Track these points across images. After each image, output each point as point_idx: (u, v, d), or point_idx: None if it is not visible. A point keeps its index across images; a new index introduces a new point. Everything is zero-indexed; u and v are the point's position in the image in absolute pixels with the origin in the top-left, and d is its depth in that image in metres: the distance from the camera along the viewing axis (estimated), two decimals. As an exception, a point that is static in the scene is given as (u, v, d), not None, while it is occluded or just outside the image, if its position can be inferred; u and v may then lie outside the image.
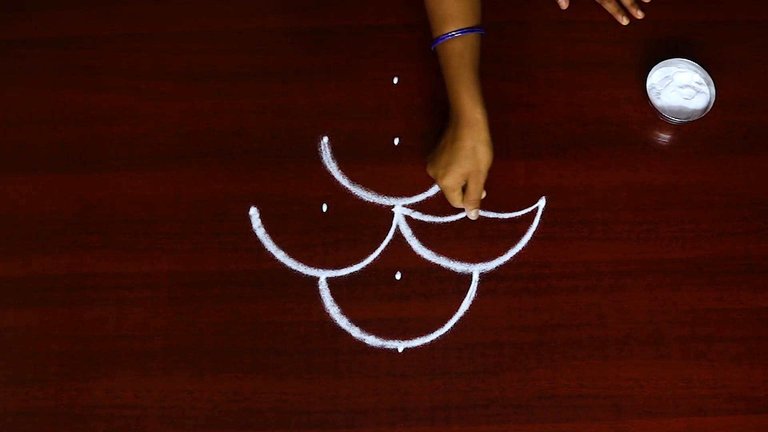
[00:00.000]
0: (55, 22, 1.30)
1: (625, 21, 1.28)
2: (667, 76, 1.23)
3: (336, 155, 1.23)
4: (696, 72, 1.23)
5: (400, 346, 1.16)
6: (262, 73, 1.27)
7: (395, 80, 1.27)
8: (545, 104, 1.25)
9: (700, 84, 1.22)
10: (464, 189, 1.16)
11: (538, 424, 1.12)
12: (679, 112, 1.22)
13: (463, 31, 1.12)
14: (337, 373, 1.14)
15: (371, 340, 1.16)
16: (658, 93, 1.23)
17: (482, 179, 1.14)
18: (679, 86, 1.23)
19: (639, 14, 1.28)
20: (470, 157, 1.12)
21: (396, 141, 1.24)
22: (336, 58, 1.28)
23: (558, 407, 1.12)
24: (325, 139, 1.24)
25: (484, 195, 1.17)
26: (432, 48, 1.14)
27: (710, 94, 1.22)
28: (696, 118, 1.21)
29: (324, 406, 1.13)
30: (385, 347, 1.15)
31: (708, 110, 1.21)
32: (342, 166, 1.23)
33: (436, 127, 1.24)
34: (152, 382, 1.14)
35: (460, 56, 1.12)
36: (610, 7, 1.28)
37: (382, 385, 1.14)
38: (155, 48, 1.29)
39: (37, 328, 1.16)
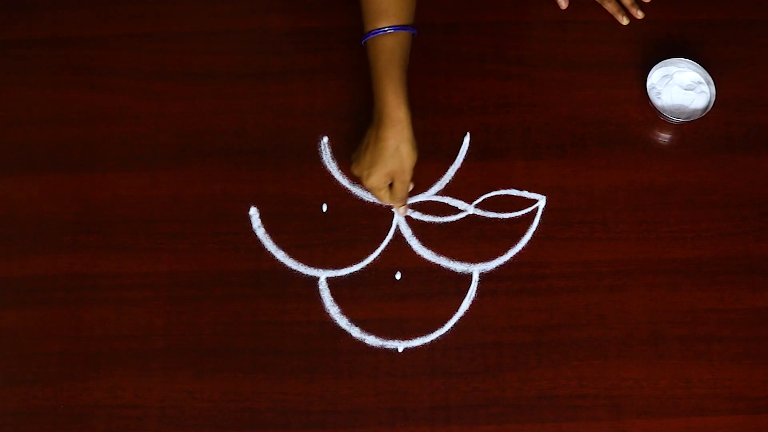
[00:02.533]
0: (55, 22, 1.30)
1: (625, 21, 1.28)
2: (666, 76, 1.23)
3: (336, 155, 1.23)
4: (696, 72, 1.23)
5: (400, 346, 1.16)
6: (262, 73, 1.27)
7: (395, 80, 1.27)
8: (545, 104, 1.25)
9: (700, 84, 1.22)
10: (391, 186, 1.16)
11: (538, 424, 1.12)
12: (680, 111, 1.22)
13: (395, 28, 1.11)
14: (337, 373, 1.14)
15: (371, 340, 1.16)
16: (658, 93, 1.23)
17: (407, 177, 1.14)
18: (679, 86, 1.23)
19: (639, 14, 1.28)
20: (394, 156, 1.12)
21: (396, 141, 1.24)
22: (336, 58, 1.28)
23: (558, 407, 1.12)
24: (325, 139, 1.24)
25: (411, 187, 1.17)
26: (362, 42, 1.13)
27: (710, 93, 1.22)
28: (696, 117, 1.21)
29: (324, 406, 1.13)
30: (385, 347, 1.15)
31: (708, 110, 1.21)
32: (342, 166, 1.23)
33: (437, 128, 1.24)
34: (152, 382, 1.14)
35: (390, 53, 1.11)
36: (610, 7, 1.28)
37: (382, 385, 1.14)
38: (155, 48, 1.29)
39: (37, 328, 1.16)
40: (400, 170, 1.13)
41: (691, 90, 1.23)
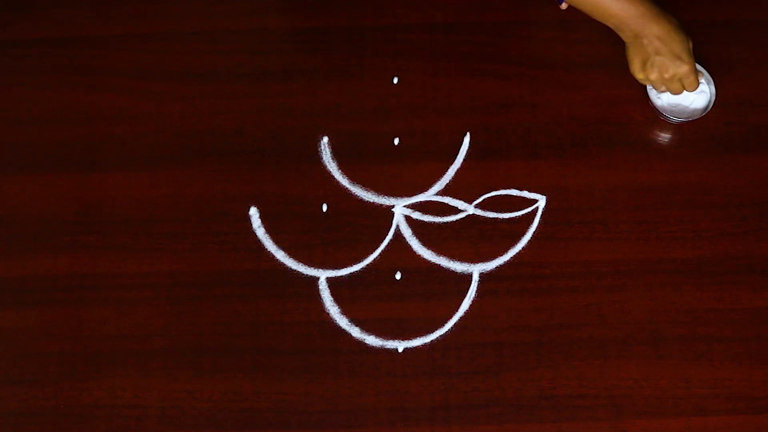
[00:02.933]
0: (55, 22, 1.30)
1: None
2: None
3: (336, 155, 1.23)
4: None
5: (400, 346, 1.16)
6: (262, 73, 1.27)
7: (395, 80, 1.27)
8: (545, 104, 1.25)
9: (700, 83, 1.22)
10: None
11: (538, 424, 1.12)
12: (680, 111, 1.22)
13: None
14: (337, 373, 1.14)
15: (371, 340, 1.16)
16: (658, 93, 1.23)
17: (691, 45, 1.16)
18: None
19: None
20: (680, 30, 1.13)
21: (396, 141, 1.24)
22: (336, 58, 1.28)
23: (558, 407, 1.12)
24: (325, 139, 1.24)
25: None
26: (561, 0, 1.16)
27: (710, 93, 1.22)
28: (696, 117, 1.21)
29: (324, 406, 1.13)
30: (385, 347, 1.15)
31: (708, 110, 1.21)
32: (342, 166, 1.23)
33: (437, 128, 1.24)
34: (152, 382, 1.14)
35: None
36: None
37: (382, 385, 1.14)
38: (155, 48, 1.29)
39: (37, 328, 1.16)
40: (688, 39, 1.15)
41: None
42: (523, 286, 1.17)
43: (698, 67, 1.22)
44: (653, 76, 1.16)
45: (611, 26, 1.15)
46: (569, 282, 1.17)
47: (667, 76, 1.16)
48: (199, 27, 1.30)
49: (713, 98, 1.21)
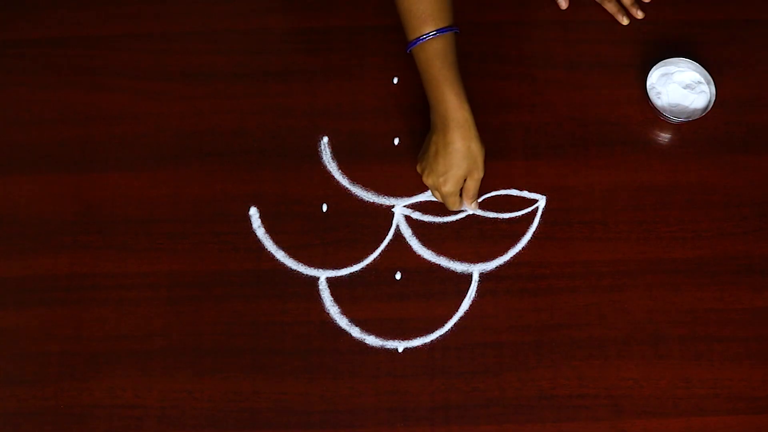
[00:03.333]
0: (55, 22, 1.30)
1: (625, 21, 1.28)
2: (666, 75, 1.23)
3: (336, 155, 1.23)
4: (696, 71, 1.23)
5: (400, 346, 1.16)
6: (262, 73, 1.27)
7: (395, 80, 1.27)
8: (545, 104, 1.25)
9: (700, 83, 1.22)
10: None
11: (538, 424, 1.12)
12: (680, 111, 1.22)
13: (442, 30, 1.10)
14: (337, 373, 1.14)
15: (371, 340, 1.16)
16: (658, 93, 1.23)
17: (480, 175, 1.14)
18: (679, 86, 1.23)
19: (639, 14, 1.28)
20: (467, 157, 1.12)
21: (396, 141, 1.24)
22: (336, 58, 1.28)
23: (558, 407, 1.12)
24: (325, 139, 1.24)
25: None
26: (408, 51, 1.13)
27: (710, 93, 1.22)
28: (696, 117, 1.21)
29: (324, 406, 1.13)
30: (385, 347, 1.15)
31: (708, 110, 1.21)
32: (342, 166, 1.23)
33: (436, 127, 1.24)
34: (152, 382, 1.14)
35: (442, 56, 1.10)
36: (611, 7, 1.28)
37: (382, 385, 1.14)
38: (155, 48, 1.29)
39: (37, 328, 1.16)
40: (474, 168, 1.13)
41: (691, 90, 1.23)
42: (523, 286, 1.17)
43: (697, 66, 1.22)
44: (418, 169, 1.17)
45: (429, 104, 1.13)
46: (569, 282, 1.17)
47: (425, 180, 1.16)
48: (199, 27, 1.30)
49: (713, 98, 1.21)
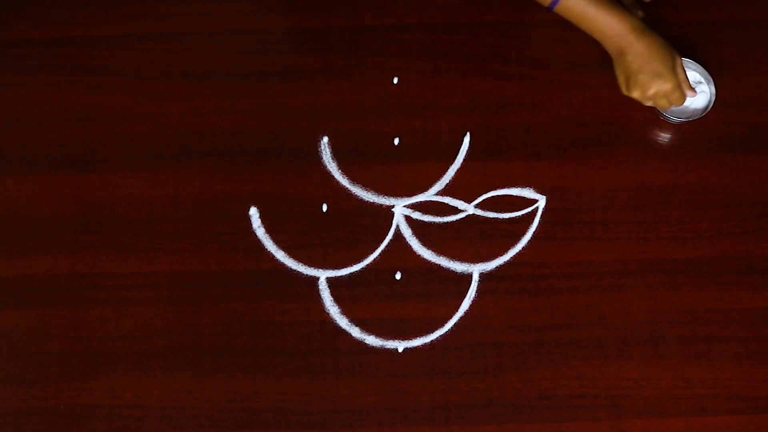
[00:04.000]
0: (55, 22, 1.30)
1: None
2: None
3: (336, 155, 1.23)
4: (696, 71, 1.23)
5: (400, 346, 1.16)
6: (262, 73, 1.27)
7: (395, 80, 1.27)
8: (545, 104, 1.25)
9: (700, 83, 1.22)
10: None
11: (538, 424, 1.12)
12: (680, 111, 1.22)
13: None
14: (337, 373, 1.14)
15: (371, 340, 1.16)
16: None
17: (681, 61, 1.16)
18: None
19: (639, 14, 1.28)
20: (665, 47, 1.13)
21: (396, 141, 1.24)
22: (336, 58, 1.28)
23: (558, 407, 1.12)
24: (325, 139, 1.24)
25: None
26: (550, 8, 1.14)
27: (710, 93, 1.22)
28: (696, 117, 1.21)
29: (324, 406, 1.13)
30: (385, 347, 1.15)
31: (708, 110, 1.21)
32: (342, 166, 1.23)
33: (437, 128, 1.24)
34: (152, 382, 1.14)
35: None
36: None
37: (382, 385, 1.14)
38: (155, 48, 1.29)
39: (37, 328, 1.16)
40: (676, 53, 1.15)
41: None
42: (523, 286, 1.17)
43: (697, 66, 1.22)
44: (636, 93, 1.15)
45: (598, 40, 1.15)
46: (569, 282, 1.17)
47: (649, 93, 1.15)
48: (199, 27, 1.30)
49: (713, 98, 1.21)
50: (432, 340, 1.16)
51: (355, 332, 1.16)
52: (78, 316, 1.17)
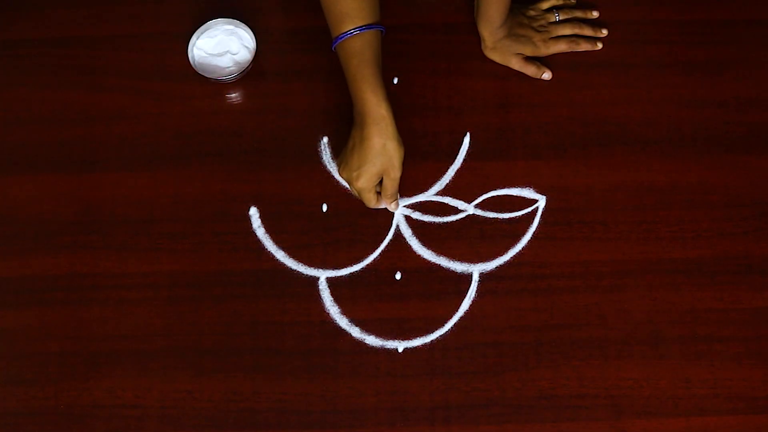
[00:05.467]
0: (55, 22, 1.30)
1: (546, 76, 1.26)
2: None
3: (336, 155, 1.23)
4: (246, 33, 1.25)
5: (400, 346, 1.16)
6: (262, 73, 1.27)
7: (395, 80, 1.27)
8: (545, 104, 1.25)
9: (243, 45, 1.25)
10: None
11: (538, 424, 1.12)
12: (211, 71, 1.24)
13: (361, 28, 1.11)
14: (337, 373, 1.14)
15: (371, 340, 1.16)
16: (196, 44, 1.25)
17: (397, 174, 1.14)
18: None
19: (603, 32, 1.28)
20: (382, 154, 1.12)
21: (396, 141, 1.24)
22: (336, 58, 1.28)
23: (558, 407, 1.12)
24: (325, 139, 1.24)
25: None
26: (333, 49, 1.14)
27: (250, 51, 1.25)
28: (231, 78, 1.24)
29: (324, 406, 1.13)
30: (385, 347, 1.15)
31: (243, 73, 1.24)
32: (342, 166, 1.23)
33: (437, 128, 1.24)
34: (152, 382, 1.14)
35: (360, 54, 1.11)
36: (532, 70, 1.26)
37: (382, 385, 1.14)
38: (155, 48, 1.29)
39: (37, 328, 1.16)
40: (390, 167, 1.13)
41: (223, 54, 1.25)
42: (523, 286, 1.17)
43: (240, 24, 1.25)
44: (336, 160, 1.19)
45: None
46: (569, 282, 1.17)
47: (342, 175, 1.16)
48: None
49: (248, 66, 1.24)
50: (432, 340, 1.16)
51: (355, 332, 1.16)
52: (78, 316, 1.17)
